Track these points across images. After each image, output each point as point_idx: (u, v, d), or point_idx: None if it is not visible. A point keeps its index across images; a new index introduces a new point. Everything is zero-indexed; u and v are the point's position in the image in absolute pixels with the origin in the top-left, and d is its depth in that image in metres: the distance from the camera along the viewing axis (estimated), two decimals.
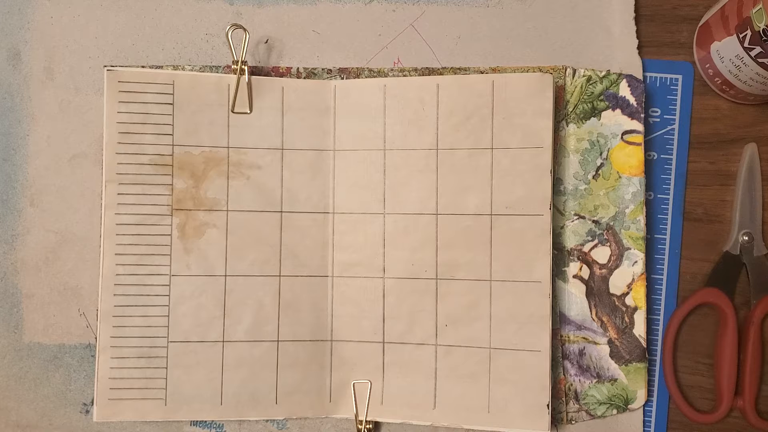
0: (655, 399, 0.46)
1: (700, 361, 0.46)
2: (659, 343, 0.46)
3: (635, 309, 0.46)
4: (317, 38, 0.47)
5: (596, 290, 0.46)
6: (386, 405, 0.45)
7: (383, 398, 0.45)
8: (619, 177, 0.46)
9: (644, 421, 0.46)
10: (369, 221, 0.45)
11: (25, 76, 0.47)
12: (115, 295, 0.44)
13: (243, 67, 0.44)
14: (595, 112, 0.46)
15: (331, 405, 0.45)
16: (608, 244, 0.46)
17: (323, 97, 0.46)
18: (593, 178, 0.46)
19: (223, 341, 0.45)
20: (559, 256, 0.46)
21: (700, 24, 0.46)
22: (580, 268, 0.46)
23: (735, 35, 0.41)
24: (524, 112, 0.44)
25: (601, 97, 0.46)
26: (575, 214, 0.46)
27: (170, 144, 0.45)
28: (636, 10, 0.46)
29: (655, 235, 0.47)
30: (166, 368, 0.45)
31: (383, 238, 0.45)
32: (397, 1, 0.47)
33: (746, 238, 0.46)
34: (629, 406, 0.45)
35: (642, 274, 0.45)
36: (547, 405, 0.44)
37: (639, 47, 0.46)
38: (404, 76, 0.46)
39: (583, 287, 0.46)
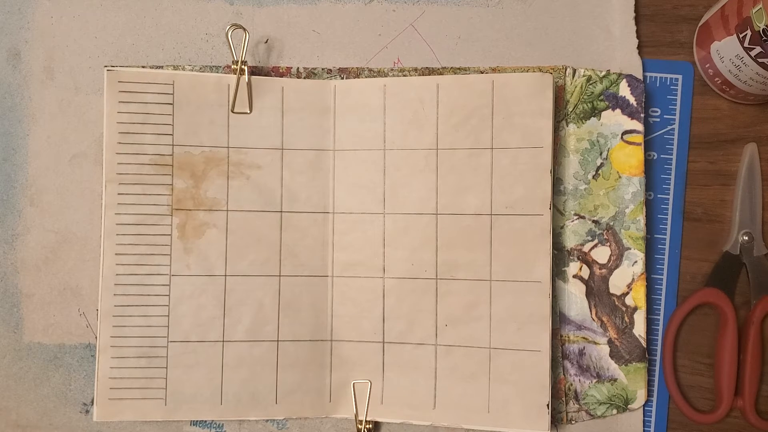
0: (655, 399, 0.46)
1: (700, 361, 0.46)
2: (659, 343, 0.46)
3: (635, 309, 0.45)
4: (317, 38, 0.47)
5: (596, 290, 0.46)
6: (386, 405, 0.45)
7: (383, 398, 0.45)
8: (619, 177, 0.46)
9: (644, 421, 0.46)
10: (369, 221, 0.45)
11: (25, 76, 0.47)
12: (115, 295, 0.44)
13: (243, 67, 0.44)
14: (595, 112, 0.46)
15: (331, 405, 0.45)
16: (608, 244, 0.46)
17: (323, 97, 0.46)
18: (593, 178, 0.46)
19: (223, 341, 0.45)
20: (559, 256, 0.46)
21: (700, 24, 0.46)
22: (580, 268, 0.46)
23: (735, 35, 0.41)
24: (524, 112, 0.44)
25: (601, 97, 0.46)
26: (575, 214, 0.46)
27: (170, 144, 0.45)
28: (636, 10, 0.46)
29: (655, 235, 0.47)
30: (166, 368, 0.45)
31: (383, 238, 0.45)
32: (397, 1, 0.47)
33: (746, 238, 0.46)
34: (629, 406, 0.45)
35: (642, 274, 0.45)
36: (547, 405, 0.44)
37: (639, 47, 0.46)
38: (404, 76, 0.46)
39: (583, 287, 0.46)
